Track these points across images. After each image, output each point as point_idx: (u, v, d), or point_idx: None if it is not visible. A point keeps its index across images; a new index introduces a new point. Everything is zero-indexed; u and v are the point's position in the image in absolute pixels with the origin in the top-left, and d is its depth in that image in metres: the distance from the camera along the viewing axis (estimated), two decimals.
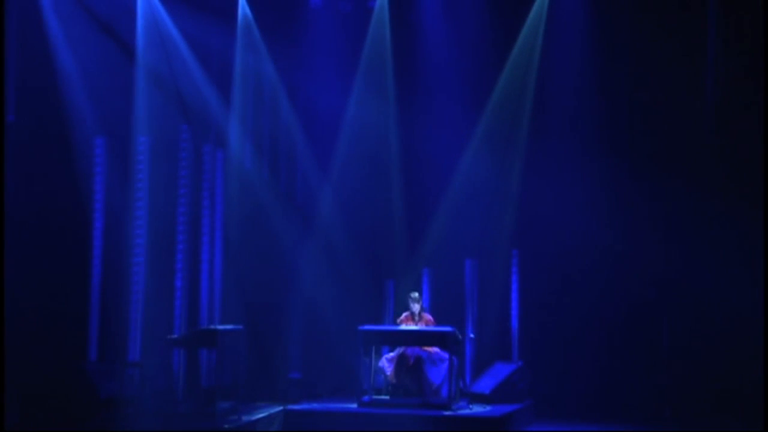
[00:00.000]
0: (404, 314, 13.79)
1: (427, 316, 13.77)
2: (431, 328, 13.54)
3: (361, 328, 13.22)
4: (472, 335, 14.51)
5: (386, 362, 13.49)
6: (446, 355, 13.10)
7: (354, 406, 13.01)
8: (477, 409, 13.17)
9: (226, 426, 11.97)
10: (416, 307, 13.64)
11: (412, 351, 13.36)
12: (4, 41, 12.56)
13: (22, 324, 12.62)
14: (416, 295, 13.77)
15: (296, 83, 15.71)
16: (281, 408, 13.12)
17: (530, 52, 15.30)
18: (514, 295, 14.73)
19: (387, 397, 13.35)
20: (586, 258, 14.91)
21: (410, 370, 13.34)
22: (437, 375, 13.23)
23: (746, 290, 13.86)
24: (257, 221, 15.15)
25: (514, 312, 14.69)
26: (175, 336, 13.29)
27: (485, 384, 13.96)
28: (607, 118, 15.14)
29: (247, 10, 15.17)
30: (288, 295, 15.24)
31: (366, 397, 13.12)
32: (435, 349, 13.33)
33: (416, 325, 13.64)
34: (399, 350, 13.46)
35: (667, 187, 14.80)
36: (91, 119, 13.63)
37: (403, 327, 13.60)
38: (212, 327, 13.13)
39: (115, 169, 13.69)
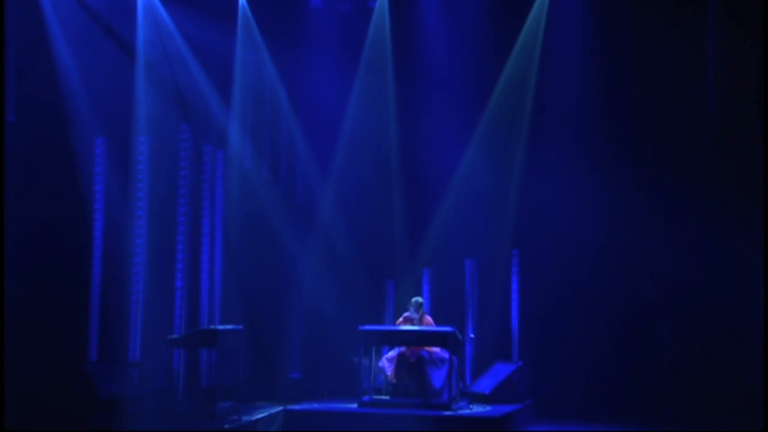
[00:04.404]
0: (402, 317, 13.74)
1: (428, 318, 13.74)
2: (431, 328, 13.51)
3: (361, 328, 13.22)
4: (472, 335, 14.51)
5: (386, 362, 13.47)
6: (446, 355, 13.09)
7: (354, 406, 13.01)
8: (477, 409, 13.17)
9: (226, 426, 11.96)
10: (416, 315, 13.58)
11: (412, 351, 13.35)
12: (4, 41, 12.54)
13: (22, 324, 12.60)
14: (420, 301, 13.69)
15: (296, 83, 15.70)
16: (281, 408, 13.12)
17: (530, 53, 15.30)
18: (514, 295, 14.73)
19: (387, 397, 13.34)
20: (586, 258, 14.92)
21: (410, 370, 13.32)
22: (437, 375, 13.22)
23: (746, 291, 13.87)
24: (257, 221, 15.14)
25: (514, 312, 14.70)
26: (175, 336, 13.28)
27: (485, 384, 13.96)
28: (607, 119, 15.16)
29: (247, 10, 15.16)
30: (288, 295, 15.24)
31: (366, 397, 13.11)
32: (435, 349, 13.32)
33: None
34: (399, 350, 13.45)
35: (667, 187, 14.81)
36: (91, 119, 13.61)
37: (403, 327, 13.59)
38: (212, 327, 13.13)
39: (115, 169, 13.67)
